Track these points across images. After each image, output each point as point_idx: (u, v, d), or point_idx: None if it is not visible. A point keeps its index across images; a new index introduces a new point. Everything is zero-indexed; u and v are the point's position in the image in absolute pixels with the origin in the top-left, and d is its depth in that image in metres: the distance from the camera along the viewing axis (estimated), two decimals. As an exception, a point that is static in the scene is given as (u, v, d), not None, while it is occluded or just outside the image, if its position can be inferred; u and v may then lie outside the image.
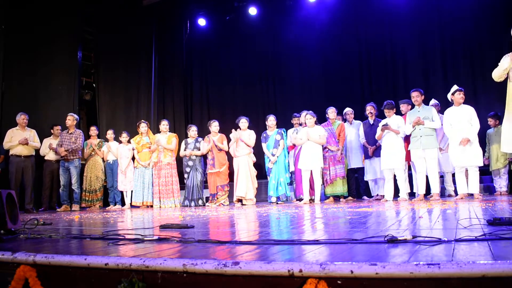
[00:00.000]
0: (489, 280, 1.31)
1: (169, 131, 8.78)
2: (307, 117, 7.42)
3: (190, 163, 8.42)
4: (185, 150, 8.49)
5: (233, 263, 1.55)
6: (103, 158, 8.89)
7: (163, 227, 3.23)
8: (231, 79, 11.43)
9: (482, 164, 6.65)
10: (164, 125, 8.68)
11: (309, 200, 7.34)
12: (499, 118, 7.33)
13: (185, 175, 8.47)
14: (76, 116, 8.54)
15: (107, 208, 8.64)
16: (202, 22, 11.73)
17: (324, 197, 7.81)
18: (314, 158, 7.23)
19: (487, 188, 7.85)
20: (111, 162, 8.85)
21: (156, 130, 9.72)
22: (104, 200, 8.95)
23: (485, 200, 5.59)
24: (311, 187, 7.42)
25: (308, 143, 7.28)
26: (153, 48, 11.08)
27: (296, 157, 7.67)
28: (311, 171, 7.29)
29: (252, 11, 11.02)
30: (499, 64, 5.45)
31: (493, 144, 7.41)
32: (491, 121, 7.50)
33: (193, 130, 8.60)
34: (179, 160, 8.70)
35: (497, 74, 5.49)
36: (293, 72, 10.82)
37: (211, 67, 11.79)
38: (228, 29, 11.43)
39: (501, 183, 7.44)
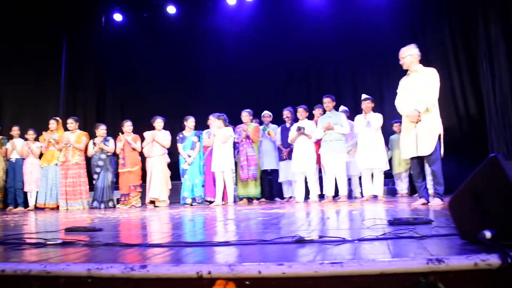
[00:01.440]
0: (387, 276, 1.39)
1: (79, 129, 8.37)
2: (211, 118, 7.52)
3: (100, 162, 8.08)
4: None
5: (141, 267, 1.51)
6: (5, 156, 8.29)
7: (69, 230, 3.06)
8: (148, 78, 11.07)
9: (386, 168, 7.10)
10: (71, 123, 8.23)
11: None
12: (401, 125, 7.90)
13: (95, 176, 8.12)
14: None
15: (6, 210, 8.06)
16: (118, 17, 11.27)
17: (237, 198, 7.88)
18: (225, 159, 7.29)
19: (390, 190, 8.34)
20: (13, 161, 8.28)
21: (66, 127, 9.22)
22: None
23: (387, 202, 5.95)
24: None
25: (218, 145, 7.33)
26: (64, 42, 10.52)
27: (207, 159, 7.72)
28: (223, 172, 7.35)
29: (171, 9, 10.83)
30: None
31: (395, 149, 7.90)
32: (395, 127, 7.99)
33: (102, 129, 8.26)
34: (89, 160, 8.32)
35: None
36: (211, 74, 10.73)
37: (128, 65, 11.33)
38: (146, 26, 11.08)
39: (402, 186, 7.98)
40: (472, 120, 8.50)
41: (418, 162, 5.06)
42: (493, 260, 1.39)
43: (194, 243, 2.19)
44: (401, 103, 5.16)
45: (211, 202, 7.59)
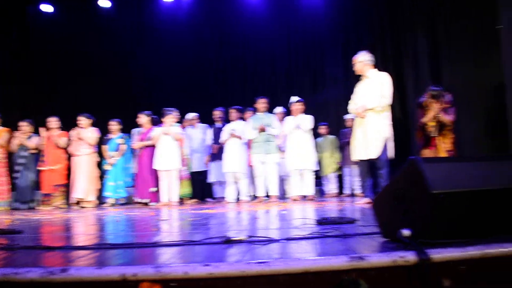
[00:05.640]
0: (312, 275, 1.43)
1: (1, 126, 7.84)
2: (140, 116, 7.56)
3: (22, 160, 7.63)
4: (16, 148, 7.71)
5: (61, 270, 1.44)
6: None
7: (-16, 232, 2.87)
8: (78, 74, 10.54)
9: (316, 168, 7.29)
10: None
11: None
12: (329, 127, 8.16)
13: (16, 174, 7.67)
14: None
15: None
16: (46, 8, 10.65)
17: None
18: (174, 158, 7.17)
19: (319, 190, 8.57)
20: None
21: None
22: None
23: (317, 202, 6.11)
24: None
25: (164, 143, 7.18)
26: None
27: (147, 157, 7.56)
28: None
29: (105, 3, 10.45)
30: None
31: (323, 151, 8.13)
32: (322, 130, 8.22)
33: (25, 125, 7.79)
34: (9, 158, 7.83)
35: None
36: (145, 73, 10.44)
37: (57, 59, 10.72)
38: (78, 19, 10.52)
39: (331, 186, 8.23)
40: (397, 125, 8.91)
41: (365, 163, 5.23)
42: (411, 257, 1.47)
43: (120, 244, 2.13)
44: (352, 107, 5.37)
45: (146, 204, 7.40)
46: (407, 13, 8.53)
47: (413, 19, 8.39)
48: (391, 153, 5.20)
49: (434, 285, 1.45)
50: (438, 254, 1.49)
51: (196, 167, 8.08)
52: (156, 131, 7.30)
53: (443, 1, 7.61)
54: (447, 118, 5.73)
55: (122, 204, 7.69)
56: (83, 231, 3.11)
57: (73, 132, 7.69)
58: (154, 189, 7.41)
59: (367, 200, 5.09)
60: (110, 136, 7.93)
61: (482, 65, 6.87)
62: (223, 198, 7.83)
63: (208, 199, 8.29)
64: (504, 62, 5.77)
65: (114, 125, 7.90)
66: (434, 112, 5.78)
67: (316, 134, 8.09)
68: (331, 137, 8.27)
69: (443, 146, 5.80)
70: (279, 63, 10.26)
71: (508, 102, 5.62)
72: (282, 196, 7.87)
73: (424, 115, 5.99)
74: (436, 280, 1.45)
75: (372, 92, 5.18)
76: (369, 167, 5.22)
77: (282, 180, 8.00)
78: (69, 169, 7.81)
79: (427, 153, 5.94)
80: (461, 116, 7.02)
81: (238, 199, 7.37)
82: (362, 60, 5.34)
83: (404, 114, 8.61)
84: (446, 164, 1.72)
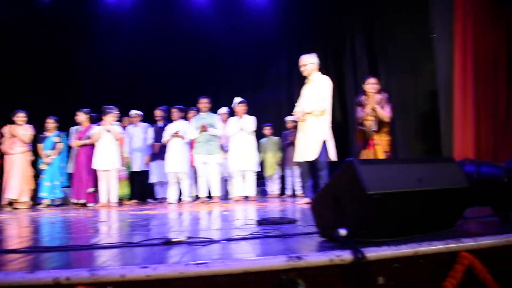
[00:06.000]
0: (251, 275, 1.44)
1: None
2: (78, 114, 7.34)
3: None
4: None
5: (-11, 275, 1.37)
6: None
7: None
8: (18, 70, 9.98)
9: (257, 169, 7.35)
10: None
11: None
12: (273, 128, 8.24)
13: None
14: None
15: None
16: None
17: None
18: (113, 158, 6.97)
19: (261, 191, 8.63)
20: None
21: None
22: None
23: (259, 202, 6.16)
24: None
25: (104, 142, 6.96)
26: None
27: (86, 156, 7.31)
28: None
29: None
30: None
31: (266, 152, 8.20)
32: (266, 131, 8.30)
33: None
34: None
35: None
36: (86, 70, 10.05)
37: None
38: (16, 13, 10.00)
39: (273, 187, 8.31)
40: (337, 127, 9.16)
41: (306, 164, 5.36)
42: (347, 255, 1.51)
43: (54, 247, 2.05)
44: (296, 110, 5.47)
45: (83, 205, 7.14)
46: (348, 16, 8.76)
47: (354, 22, 8.62)
48: (332, 155, 5.34)
49: (369, 282, 1.50)
50: (373, 253, 1.55)
51: (136, 167, 7.91)
52: (97, 129, 7.08)
53: (382, 6, 7.86)
54: (385, 113, 5.89)
55: (58, 205, 7.40)
56: (16, 234, 2.96)
57: (6, 129, 7.31)
58: (92, 189, 7.20)
59: (307, 200, 5.20)
60: (46, 134, 7.60)
61: (416, 72, 7.18)
62: (164, 198, 7.73)
63: (149, 200, 8.14)
64: (437, 70, 6.07)
65: (50, 123, 7.58)
66: (372, 105, 5.95)
67: (260, 135, 8.16)
68: (274, 138, 8.34)
69: (381, 147, 6.01)
70: (223, 62, 10.26)
71: (440, 108, 5.91)
72: (225, 197, 7.87)
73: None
74: (371, 278, 1.50)
75: (312, 96, 5.31)
76: (310, 168, 5.35)
77: (224, 181, 8.00)
78: (1, 168, 7.42)
79: (365, 153, 6.12)
80: (397, 120, 7.34)
81: (180, 200, 7.29)
82: (313, 62, 5.43)
83: (344, 115, 8.84)
84: (381, 166, 1.79)
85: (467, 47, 5.44)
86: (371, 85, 5.88)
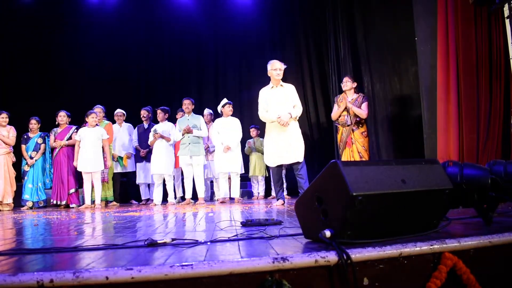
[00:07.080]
0: (236, 276, 1.44)
1: None
2: (60, 114, 7.36)
3: None
4: None
5: (-31, 278, 1.35)
6: None
7: None
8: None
9: (242, 171, 7.36)
10: None
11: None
12: (259, 129, 8.24)
13: None
14: None
15: None
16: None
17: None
18: (96, 160, 6.91)
19: (247, 192, 8.64)
20: None
21: None
22: None
23: (244, 204, 6.16)
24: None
25: (88, 143, 6.89)
26: None
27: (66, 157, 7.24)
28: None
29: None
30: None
31: (252, 153, 8.20)
32: (253, 132, 8.30)
33: None
34: None
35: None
36: (71, 70, 9.94)
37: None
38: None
39: (258, 188, 8.32)
40: (322, 127, 9.23)
41: (280, 168, 5.60)
42: (331, 256, 1.51)
43: (37, 249, 2.02)
44: (267, 114, 5.56)
45: (67, 206, 7.07)
46: (333, 17, 8.80)
47: (338, 23, 8.66)
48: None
49: (354, 284, 1.51)
50: (358, 254, 1.56)
51: (120, 168, 7.85)
52: (82, 131, 7.02)
53: (366, 8, 7.91)
54: (360, 110, 6.27)
55: (42, 207, 7.31)
56: (-3, 236, 2.92)
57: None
58: (73, 190, 7.15)
59: (281, 201, 5.44)
60: (29, 135, 7.51)
61: (400, 73, 7.24)
62: (149, 200, 7.70)
63: (134, 201, 8.09)
64: (420, 72, 6.13)
65: (33, 124, 7.49)
66: (345, 103, 6.36)
67: (247, 136, 8.17)
68: (261, 139, 8.34)
69: (359, 146, 6.24)
70: (208, 63, 10.24)
71: (423, 109, 5.97)
72: (210, 198, 7.85)
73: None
74: (355, 279, 1.51)
75: (289, 101, 5.53)
76: (281, 171, 5.76)
77: (210, 182, 8.00)
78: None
79: (347, 152, 6.32)
80: (380, 121, 7.40)
81: (165, 201, 7.27)
82: (283, 69, 5.59)
83: (328, 116, 8.89)
84: (365, 167, 1.80)
85: (449, 49, 5.51)
86: (344, 83, 6.51)
